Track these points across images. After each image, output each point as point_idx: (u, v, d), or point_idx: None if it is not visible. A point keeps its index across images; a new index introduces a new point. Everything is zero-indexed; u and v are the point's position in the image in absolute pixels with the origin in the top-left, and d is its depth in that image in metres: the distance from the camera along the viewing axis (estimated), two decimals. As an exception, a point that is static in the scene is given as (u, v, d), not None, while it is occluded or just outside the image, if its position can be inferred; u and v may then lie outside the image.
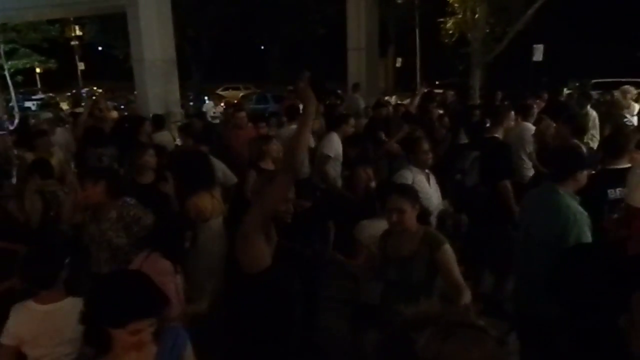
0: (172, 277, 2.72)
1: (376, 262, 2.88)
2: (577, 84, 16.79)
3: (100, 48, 28.79)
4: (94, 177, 3.29)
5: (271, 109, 16.02)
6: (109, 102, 14.41)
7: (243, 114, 6.55)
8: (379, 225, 3.09)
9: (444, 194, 4.32)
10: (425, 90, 8.18)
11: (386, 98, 12.08)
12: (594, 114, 6.72)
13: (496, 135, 4.63)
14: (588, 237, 2.79)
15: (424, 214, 3.12)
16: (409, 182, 3.72)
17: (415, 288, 2.61)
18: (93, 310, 1.69)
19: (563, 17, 25.08)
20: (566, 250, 2.49)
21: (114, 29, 18.99)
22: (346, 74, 12.47)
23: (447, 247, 2.66)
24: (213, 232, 3.61)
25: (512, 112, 5.26)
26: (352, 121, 5.77)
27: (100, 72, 31.34)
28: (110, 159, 5.04)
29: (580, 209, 2.86)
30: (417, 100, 7.30)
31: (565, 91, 12.07)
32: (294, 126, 6.14)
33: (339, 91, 15.22)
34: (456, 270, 2.63)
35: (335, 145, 5.21)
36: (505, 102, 8.20)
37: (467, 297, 2.46)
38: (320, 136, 6.15)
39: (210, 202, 3.61)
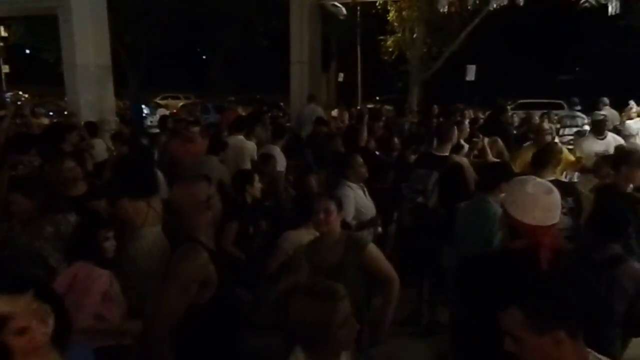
0: (108, 284, 2.64)
1: (302, 273, 2.90)
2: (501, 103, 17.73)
3: (28, 51, 27.29)
4: (30, 192, 3.11)
5: (212, 120, 15.78)
6: (38, 109, 13.68)
7: (197, 128, 6.38)
8: (303, 235, 3.26)
9: (400, 212, 4.44)
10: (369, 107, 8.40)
11: (333, 113, 12.22)
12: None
13: (446, 154, 4.63)
14: None
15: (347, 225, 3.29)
16: (350, 198, 3.82)
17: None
18: None
19: (494, 40, 26.52)
20: (464, 258, 2.64)
21: (43, 31, 18.05)
22: (288, 87, 12.52)
23: (371, 246, 2.83)
24: (147, 242, 3.46)
25: (455, 129, 5.22)
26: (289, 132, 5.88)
27: (28, 76, 29.64)
28: (29, 168, 4.69)
29: None
30: (345, 116, 7.46)
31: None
32: (239, 136, 6.15)
33: (281, 104, 15.29)
34: (384, 264, 2.84)
35: (280, 157, 5.37)
36: (441, 119, 8.54)
37: (395, 286, 2.80)
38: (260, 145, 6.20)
39: (144, 210, 3.47)
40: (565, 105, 19.42)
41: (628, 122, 8.74)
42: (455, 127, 5.66)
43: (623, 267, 2.52)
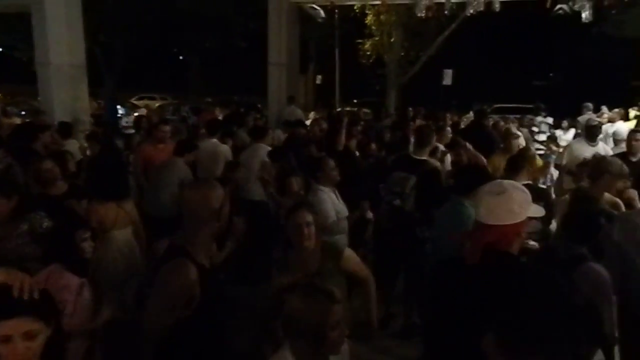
0: (75, 294, 2.59)
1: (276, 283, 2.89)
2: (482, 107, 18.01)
3: (0, 49, 26.59)
4: (6, 192, 3.09)
5: (190, 121, 15.60)
6: (10, 108, 13.34)
7: (168, 127, 6.23)
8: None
9: (377, 214, 4.47)
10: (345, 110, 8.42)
11: (311, 115, 12.23)
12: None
13: (425, 157, 4.66)
14: None
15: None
16: (327, 201, 3.84)
17: None
18: None
19: (471, 45, 26.93)
20: (438, 263, 2.68)
21: (16, 29, 17.60)
22: (266, 89, 12.48)
23: (348, 251, 2.88)
24: (117, 244, 3.47)
25: (434, 134, 5.21)
26: (271, 133, 5.84)
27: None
28: None
29: None
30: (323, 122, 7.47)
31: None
32: (213, 140, 6.07)
33: (259, 105, 15.23)
34: (360, 265, 2.90)
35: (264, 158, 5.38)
36: (417, 121, 8.62)
37: (372, 283, 2.87)
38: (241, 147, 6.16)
39: (114, 212, 3.48)
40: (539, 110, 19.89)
41: (619, 126, 8.87)
42: (437, 132, 5.78)
43: (583, 267, 2.59)
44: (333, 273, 2.70)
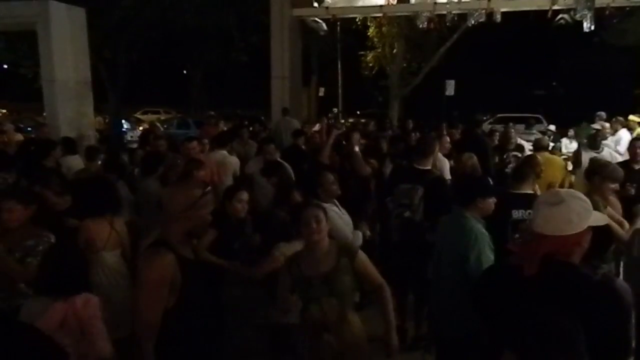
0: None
1: (285, 285, 2.88)
2: (485, 118, 18.06)
3: (5, 66, 26.84)
4: (23, 199, 3.08)
5: (192, 134, 15.68)
6: (12, 124, 13.40)
7: (162, 142, 6.32)
8: (295, 247, 3.19)
9: (386, 227, 4.45)
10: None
11: (315, 128, 12.23)
12: None
13: (429, 167, 4.59)
14: (487, 255, 3.07)
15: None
16: (336, 219, 3.83)
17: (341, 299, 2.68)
18: None
19: (473, 56, 27.03)
20: (486, 269, 2.63)
21: (21, 46, 17.80)
22: (269, 102, 12.53)
23: (361, 253, 2.85)
24: (107, 267, 3.35)
25: (437, 144, 5.14)
26: (272, 147, 5.85)
27: (5, 92, 29.17)
28: (3, 185, 4.59)
29: (482, 230, 3.18)
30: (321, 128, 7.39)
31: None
32: (222, 151, 6.10)
33: (262, 118, 15.28)
34: (374, 269, 2.87)
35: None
36: (423, 132, 8.61)
37: (388, 290, 2.82)
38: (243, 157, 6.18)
39: (107, 232, 3.37)
40: (543, 120, 19.90)
41: (621, 135, 8.80)
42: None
43: (617, 286, 2.54)
44: (346, 273, 2.72)
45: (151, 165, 5.05)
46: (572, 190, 2.12)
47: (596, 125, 7.90)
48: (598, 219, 1.99)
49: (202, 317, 2.35)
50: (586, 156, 5.99)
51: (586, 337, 1.47)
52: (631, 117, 9.21)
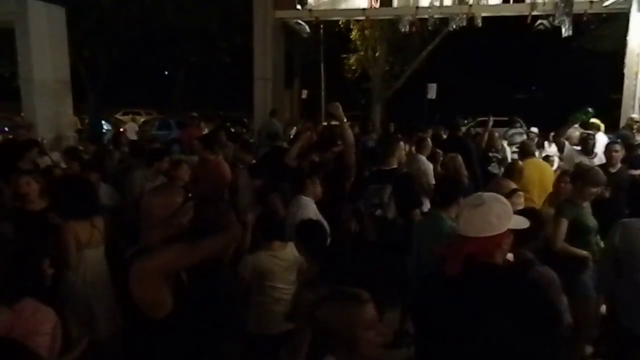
0: (51, 330, 2.23)
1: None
2: (465, 121, 18.28)
3: (-19, 64, 26.24)
4: None
5: (174, 136, 15.51)
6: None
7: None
8: (259, 257, 3.29)
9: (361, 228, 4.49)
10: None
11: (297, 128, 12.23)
12: None
13: (394, 166, 4.75)
14: None
15: None
16: (313, 207, 3.87)
17: None
18: None
19: (454, 59, 27.33)
20: (421, 278, 2.70)
21: (-3, 44, 17.45)
22: (251, 103, 12.49)
23: None
24: (91, 264, 3.40)
25: (402, 143, 5.30)
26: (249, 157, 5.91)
27: (-19, 91, 28.54)
28: None
29: None
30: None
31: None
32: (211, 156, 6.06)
33: (245, 120, 15.23)
34: None
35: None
36: (398, 134, 8.69)
37: None
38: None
39: (89, 231, 3.43)
40: (522, 123, 20.18)
41: (598, 138, 8.90)
42: (417, 143, 5.94)
43: (532, 272, 2.62)
44: None
45: None
46: (495, 193, 2.15)
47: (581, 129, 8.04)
48: (519, 222, 2.04)
49: (190, 327, 2.31)
50: (578, 160, 6.06)
51: (516, 323, 1.64)
52: (592, 120, 9.36)
